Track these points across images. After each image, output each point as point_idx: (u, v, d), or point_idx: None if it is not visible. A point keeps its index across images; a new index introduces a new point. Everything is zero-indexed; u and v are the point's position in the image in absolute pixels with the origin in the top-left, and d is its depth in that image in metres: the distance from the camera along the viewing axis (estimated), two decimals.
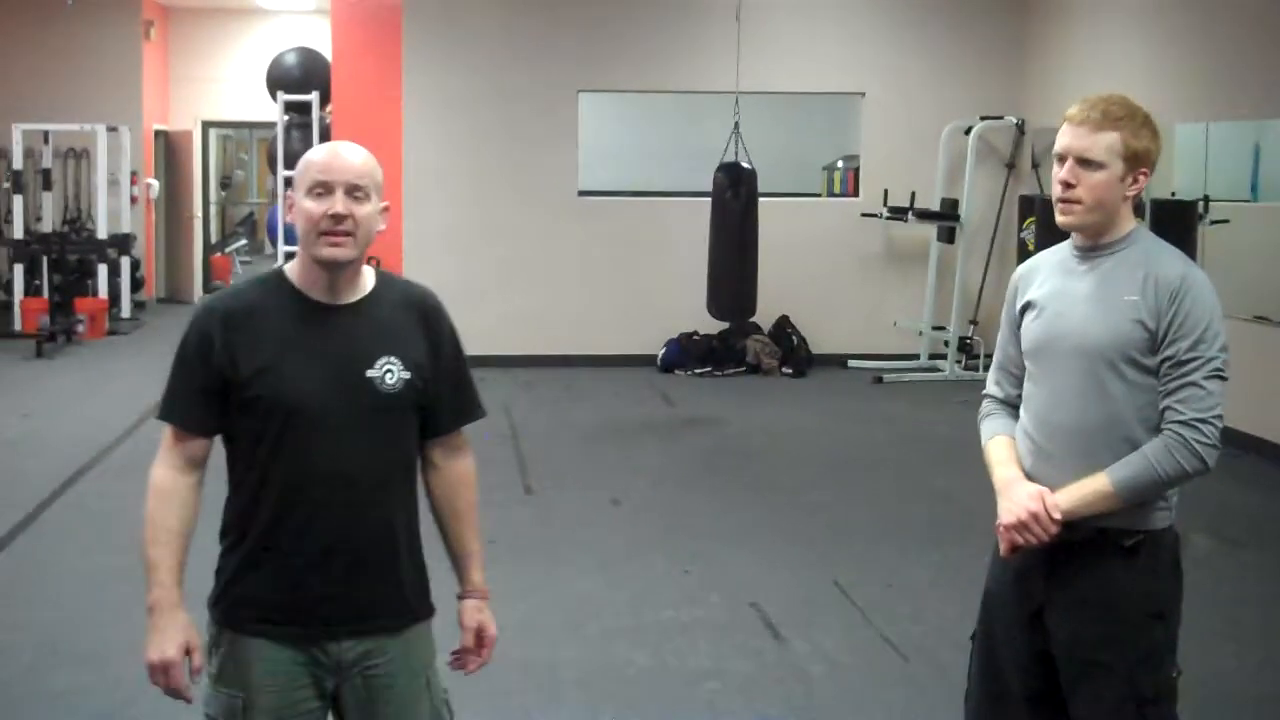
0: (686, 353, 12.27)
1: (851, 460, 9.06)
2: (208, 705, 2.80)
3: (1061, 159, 3.02)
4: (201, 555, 2.82)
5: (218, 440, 2.81)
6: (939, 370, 12.09)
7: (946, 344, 12.13)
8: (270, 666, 2.74)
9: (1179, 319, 2.95)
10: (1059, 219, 3.07)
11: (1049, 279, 3.14)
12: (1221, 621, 5.83)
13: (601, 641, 5.50)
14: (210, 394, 2.73)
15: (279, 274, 2.80)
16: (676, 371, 12.17)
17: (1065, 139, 3.01)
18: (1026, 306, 3.17)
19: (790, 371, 12.20)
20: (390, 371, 2.74)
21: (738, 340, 12.27)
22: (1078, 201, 3.00)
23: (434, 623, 2.92)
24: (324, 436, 2.70)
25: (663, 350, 12.32)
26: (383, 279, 2.86)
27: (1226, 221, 10.37)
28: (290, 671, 2.74)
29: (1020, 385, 3.20)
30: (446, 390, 2.87)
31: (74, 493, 7.78)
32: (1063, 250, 3.15)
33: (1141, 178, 3.01)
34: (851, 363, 12.43)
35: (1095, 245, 3.06)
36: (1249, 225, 10.72)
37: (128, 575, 6.12)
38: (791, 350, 12.34)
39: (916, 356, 12.43)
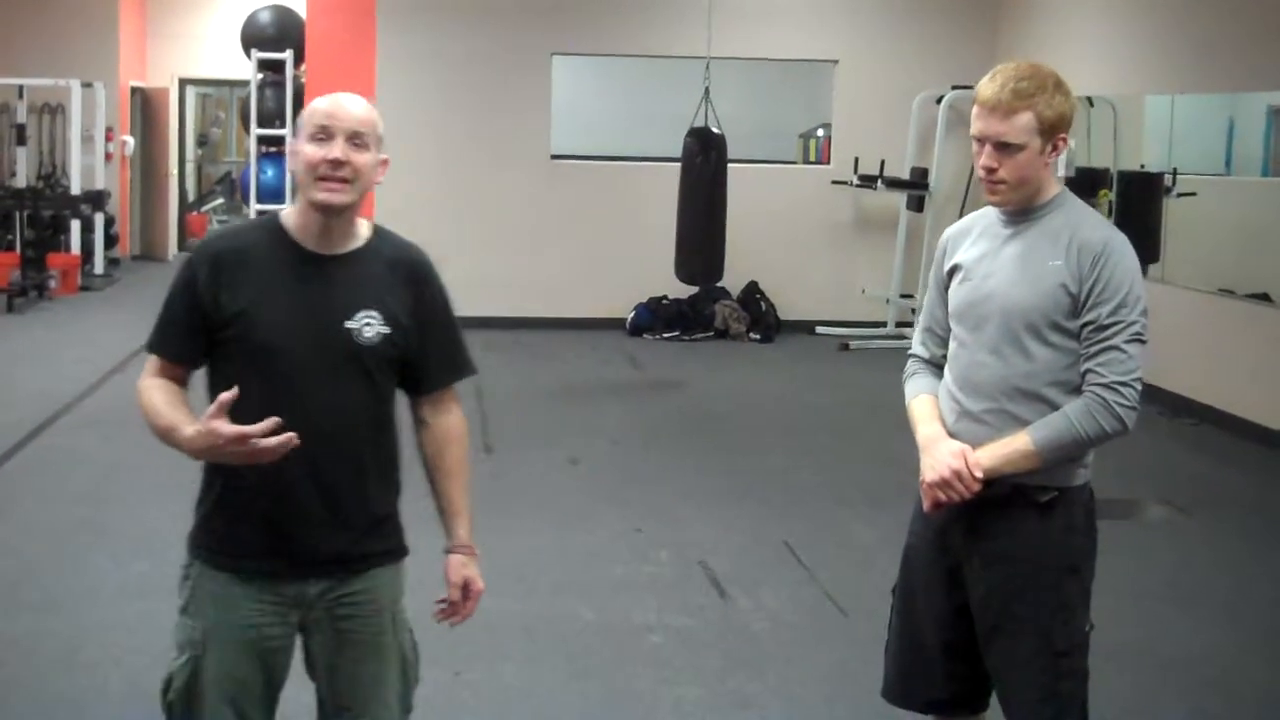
0: (655, 317, 12.34)
1: (813, 425, 9.14)
2: (176, 633, 2.87)
3: (980, 141, 3.07)
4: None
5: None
6: (905, 338, 12.10)
7: (913, 311, 12.18)
8: (235, 601, 2.81)
9: (1101, 283, 3.00)
10: (988, 199, 3.14)
11: (977, 242, 3.20)
12: (1164, 586, 5.94)
13: (549, 596, 5.58)
14: (193, 328, 2.79)
15: (275, 220, 2.87)
16: (645, 335, 12.24)
17: (980, 124, 3.05)
18: (954, 269, 3.23)
19: (758, 337, 12.27)
20: (369, 325, 2.80)
21: (706, 305, 12.33)
22: (1002, 182, 3.06)
23: (419, 572, 3.02)
24: (296, 383, 2.76)
25: (632, 314, 12.38)
26: (378, 234, 2.92)
27: (1194, 194, 10.45)
28: (252, 607, 2.81)
29: (945, 345, 3.27)
30: (433, 347, 2.93)
31: (38, 444, 7.83)
32: (990, 214, 3.21)
33: (1060, 143, 3.06)
34: (819, 329, 12.51)
35: (1021, 211, 3.12)
36: (1220, 199, 10.81)
37: (87, 525, 6.26)
38: (760, 316, 12.41)
39: (884, 324, 12.50)
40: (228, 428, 2.62)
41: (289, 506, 2.77)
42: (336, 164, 2.74)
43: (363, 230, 2.88)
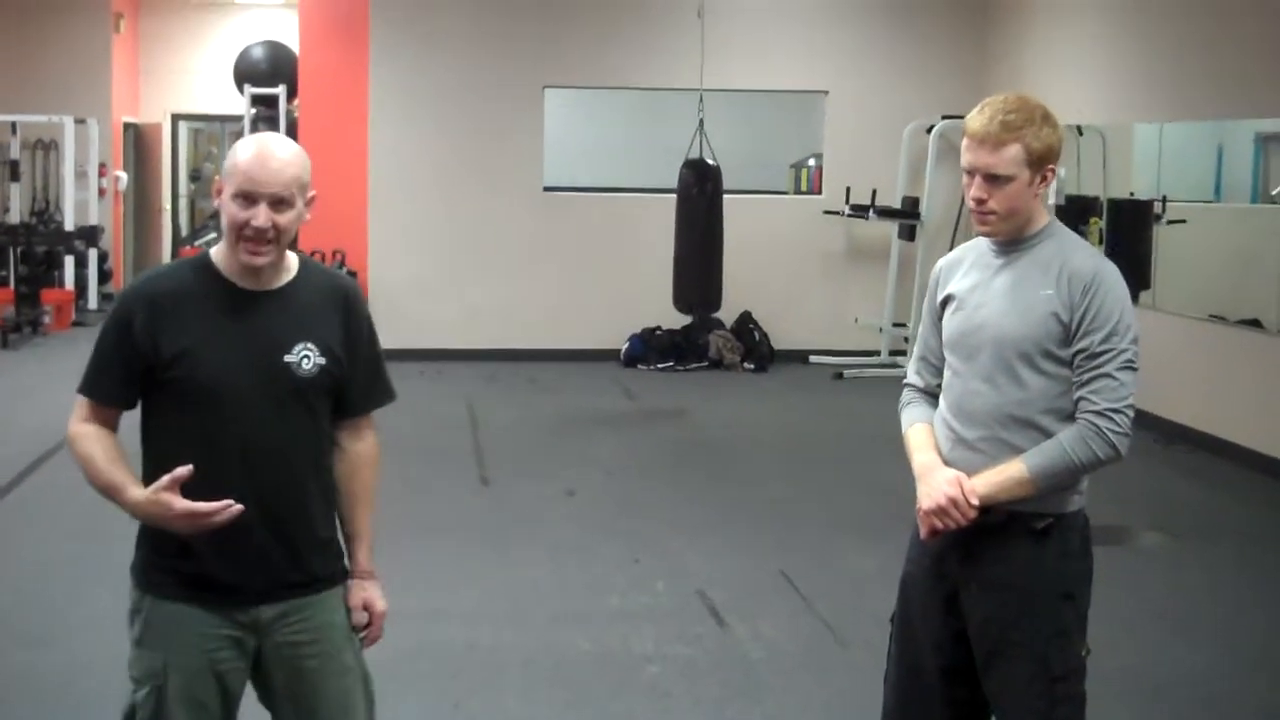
0: (650, 347, 12.38)
1: (808, 454, 9.17)
2: (131, 667, 2.89)
3: (970, 173, 3.11)
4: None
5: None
6: (899, 366, 12.15)
7: (906, 340, 12.24)
8: (190, 630, 2.84)
9: (1092, 312, 3.04)
10: (978, 229, 3.18)
11: (969, 273, 3.24)
12: (1158, 612, 5.96)
13: (547, 627, 5.60)
14: (130, 371, 2.83)
15: (206, 259, 2.89)
16: (639, 366, 12.28)
17: (970, 156, 3.09)
18: (947, 300, 3.27)
19: (752, 367, 12.32)
20: (307, 357, 2.85)
21: (701, 335, 12.37)
22: (992, 213, 3.11)
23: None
24: (240, 418, 2.81)
25: (626, 345, 12.42)
26: (305, 266, 2.95)
27: (1183, 222, 10.49)
28: (208, 633, 2.84)
29: (939, 375, 3.30)
30: (361, 376, 2.98)
31: (33, 480, 7.85)
32: (981, 244, 3.25)
33: (1049, 174, 3.09)
34: (813, 358, 12.56)
35: (1012, 241, 3.16)
36: (1210, 226, 10.85)
37: (81, 560, 6.26)
38: (754, 346, 12.45)
39: (877, 353, 12.54)
40: (180, 503, 2.69)
41: (238, 539, 2.80)
42: (259, 232, 2.76)
43: (291, 263, 2.92)
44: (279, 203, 2.77)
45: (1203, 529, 7.36)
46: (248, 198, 2.75)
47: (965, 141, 3.11)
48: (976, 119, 3.08)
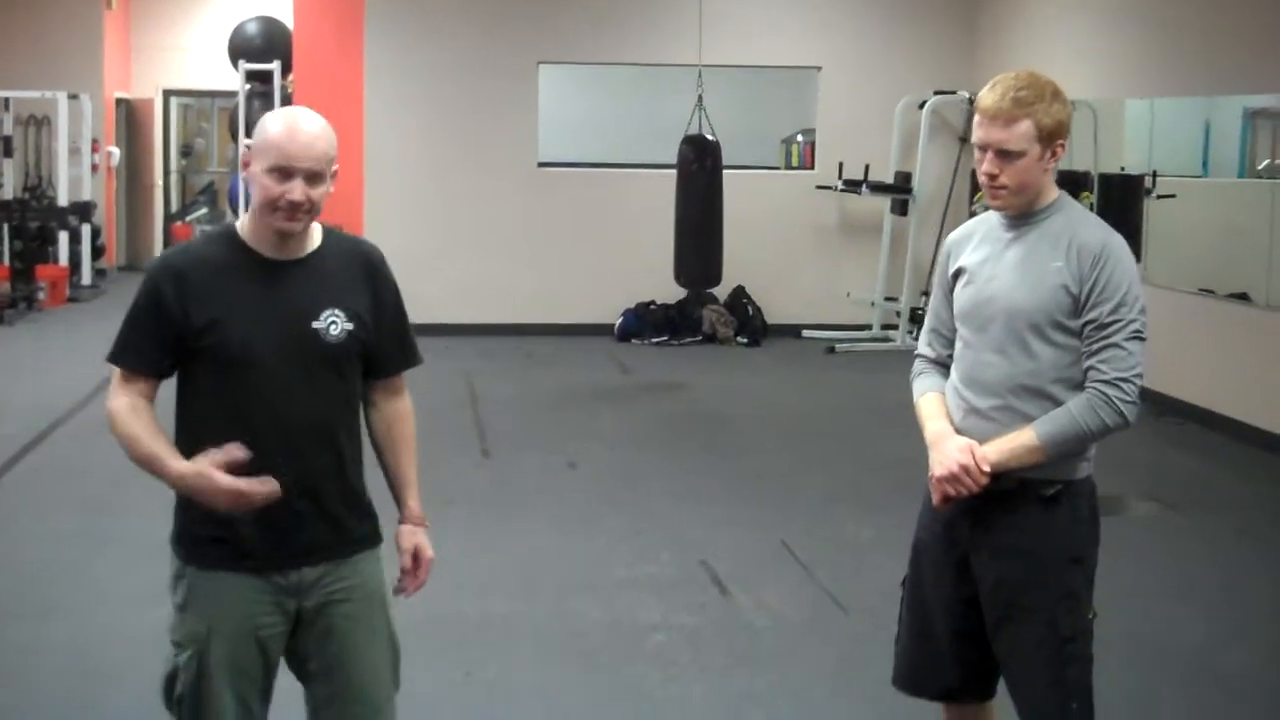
0: (644, 322, 12.45)
1: (803, 427, 9.26)
2: (174, 632, 2.95)
3: (982, 148, 3.18)
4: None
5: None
6: (890, 340, 12.27)
7: (898, 314, 12.33)
8: (232, 595, 2.90)
9: (1101, 283, 3.12)
10: (990, 203, 3.26)
11: (979, 247, 3.31)
12: (1155, 579, 6.05)
13: (554, 597, 5.68)
14: (162, 342, 2.88)
15: (231, 231, 2.96)
16: (633, 341, 12.34)
17: (982, 133, 3.17)
18: (958, 273, 3.34)
19: (745, 341, 12.39)
20: (334, 323, 2.91)
21: (694, 310, 12.44)
22: (1004, 188, 3.18)
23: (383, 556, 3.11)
24: (272, 385, 2.87)
25: (620, 320, 12.49)
26: (329, 235, 3.02)
27: (1173, 196, 10.58)
28: (251, 597, 2.90)
29: (950, 345, 3.38)
30: (389, 340, 3.06)
31: (33, 457, 7.89)
32: (991, 219, 3.32)
33: (1059, 149, 3.16)
34: (805, 332, 12.62)
35: (1022, 215, 3.23)
36: (1198, 201, 10.94)
37: (85, 535, 6.33)
38: (747, 320, 12.52)
39: (869, 327, 12.61)
40: (224, 479, 2.74)
41: (274, 504, 2.84)
42: (295, 206, 2.82)
43: (315, 233, 2.98)
44: (313, 177, 2.83)
45: (1196, 499, 7.45)
46: (283, 172, 2.81)
47: (977, 118, 3.18)
48: (989, 96, 3.15)
